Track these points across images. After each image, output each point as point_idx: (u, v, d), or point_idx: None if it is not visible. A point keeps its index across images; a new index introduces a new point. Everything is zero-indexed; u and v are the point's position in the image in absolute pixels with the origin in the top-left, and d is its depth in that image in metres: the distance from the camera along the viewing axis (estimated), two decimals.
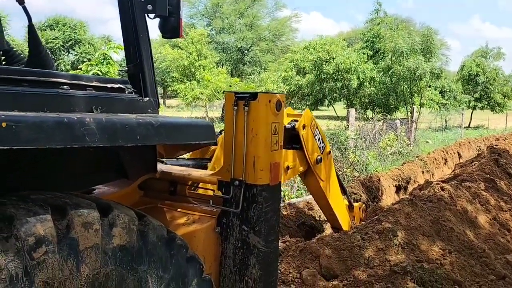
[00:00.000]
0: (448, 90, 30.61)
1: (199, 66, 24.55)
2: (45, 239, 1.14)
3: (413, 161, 12.25)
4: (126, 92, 1.85)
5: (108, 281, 1.30)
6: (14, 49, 2.47)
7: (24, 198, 1.26)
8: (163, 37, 2.01)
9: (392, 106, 20.91)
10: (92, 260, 1.25)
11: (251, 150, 2.05)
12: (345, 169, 10.22)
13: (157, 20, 1.96)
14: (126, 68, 1.98)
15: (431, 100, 21.94)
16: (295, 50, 22.73)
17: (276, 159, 2.11)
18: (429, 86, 23.95)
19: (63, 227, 1.21)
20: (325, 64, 18.84)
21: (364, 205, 6.24)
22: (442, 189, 6.01)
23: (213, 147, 2.92)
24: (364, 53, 20.48)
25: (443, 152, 14.21)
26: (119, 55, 12.13)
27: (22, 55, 2.51)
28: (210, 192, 2.30)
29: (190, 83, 22.26)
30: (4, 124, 1.07)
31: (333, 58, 18.79)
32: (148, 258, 1.44)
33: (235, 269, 2.12)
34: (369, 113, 22.15)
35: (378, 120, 13.60)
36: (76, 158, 1.66)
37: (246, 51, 38.06)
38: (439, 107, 21.59)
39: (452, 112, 27.76)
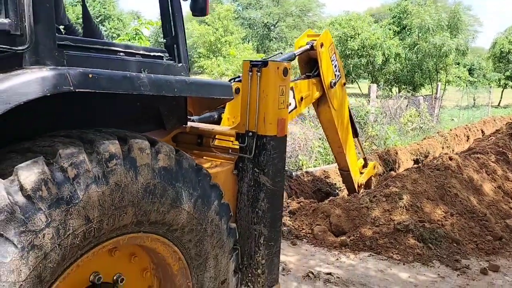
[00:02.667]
0: (477, 68, 29.99)
1: (225, 42, 24.94)
2: (115, 155, 1.70)
3: (433, 136, 12.46)
4: (164, 59, 2.39)
5: (155, 190, 1.85)
6: (73, 24, 3.03)
7: (99, 130, 1.82)
8: (192, 15, 2.52)
9: (417, 83, 20.84)
10: (144, 173, 1.81)
11: (262, 108, 2.56)
12: (363, 142, 10.57)
13: (188, 1, 2.48)
14: (164, 40, 2.50)
15: (458, 77, 21.70)
16: (321, 26, 22.80)
17: (282, 116, 2.62)
18: (458, 64, 23.62)
19: (126, 150, 1.76)
20: (350, 40, 18.91)
21: (378, 164, 6.70)
22: (450, 158, 6.38)
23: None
24: (390, 29, 20.38)
25: (466, 129, 14.27)
26: (149, 30, 12.73)
27: (78, 29, 3.07)
28: (229, 143, 2.83)
29: (216, 59, 22.73)
30: (90, 76, 1.62)
31: (359, 34, 18.83)
32: (182, 178, 1.99)
33: (248, 203, 2.67)
34: (394, 90, 22.15)
35: (400, 96, 13.77)
36: (129, 110, 2.20)
37: (272, 27, 38.06)
38: (466, 84, 21.34)
39: (481, 90, 27.29)
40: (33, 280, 1.46)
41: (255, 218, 2.65)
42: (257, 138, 2.59)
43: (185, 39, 2.42)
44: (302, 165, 8.06)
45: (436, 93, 16.01)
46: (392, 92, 17.09)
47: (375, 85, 12.30)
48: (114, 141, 1.72)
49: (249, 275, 2.70)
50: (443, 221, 5.37)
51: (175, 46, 2.41)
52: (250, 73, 2.58)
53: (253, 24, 37.25)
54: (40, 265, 1.47)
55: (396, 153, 9.80)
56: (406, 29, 20.95)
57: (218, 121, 3.55)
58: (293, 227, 5.50)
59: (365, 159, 6.54)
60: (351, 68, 19.44)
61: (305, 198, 6.42)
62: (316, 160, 8.60)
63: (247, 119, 2.61)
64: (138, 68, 2.10)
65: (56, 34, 1.77)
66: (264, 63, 2.56)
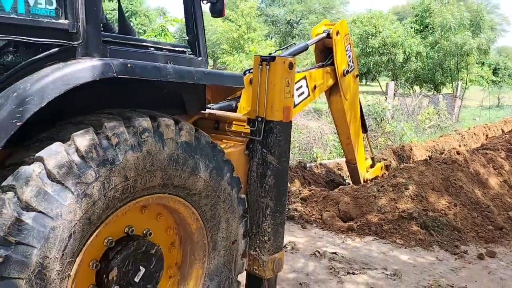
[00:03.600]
0: (503, 68, 29.52)
1: (248, 38, 25.35)
2: (147, 129, 2.14)
3: (450, 134, 12.58)
4: (187, 53, 2.82)
5: (178, 159, 2.29)
6: (110, 22, 3.50)
7: (134, 110, 2.26)
8: (211, 16, 2.95)
9: (438, 82, 20.80)
10: (170, 145, 2.24)
11: (270, 96, 2.97)
12: (379, 138, 10.84)
13: (208, 4, 2.90)
14: (187, 37, 2.93)
15: (481, 77, 21.54)
16: None
17: (287, 104, 3.02)
18: (483, 63, 23.37)
19: (155, 125, 2.20)
20: (371, 38, 19.04)
21: (384, 164, 6.93)
22: (458, 153, 6.64)
23: (239, 93, 3.89)
24: (411, 27, 20.41)
25: (485, 128, 14.24)
26: (174, 27, 13.30)
27: (114, 26, 3.53)
28: (241, 128, 3.25)
29: (238, 55, 23.18)
30: (129, 65, 2.07)
31: (380, 32, 18.94)
32: (200, 151, 2.42)
33: (257, 179, 3.08)
34: (416, 88, 22.16)
35: (419, 94, 13.91)
36: (158, 96, 2.64)
37: (295, 24, 38.28)
38: (488, 84, 21.16)
39: (506, 90, 26.89)
40: (84, 221, 1.92)
41: (262, 192, 3.07)
42: (266, 123, 3.00)
43: (205, 37, 2.85)
44: (317, 157, 8.43)
45: (456, 92, 16.01)
46: (413, 90, 17.15)
47: (392, 82, 12.51)
48: (146, 118, 2.17)
49: (257, 241, 3.11)
50: (446, 211, 5.67)
51: (196, 42, 2.84)
52: (260, 66, 3.00)
53: (276, 21, 37.57)
54: (90, 210, 1.93)
55: (411, 149, 10.01)
56: (428, 27, 20.90)
57: (235, 109, 3.99)
58: (304, 213, 5.89)
59: (373, 158, 6.79)
60: (372, 66, 19.58)
61: (317, 188, 6.79)
62: (330, 153, 8.95)
63: (257, 106, 3.03)
64: (165, 61, 2.54)
65: (101, 31, 2.22)
66: (272, 58, 2.97)
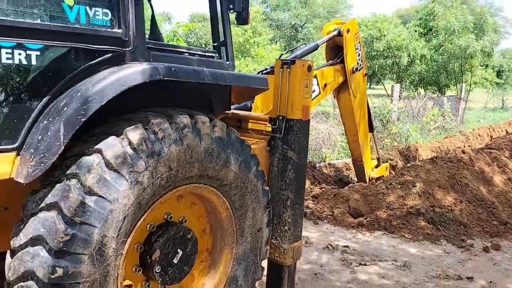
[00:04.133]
0: (506, 70, 29.68)
1: (254, 43, 25.64)
2: (187, 125, 2.41)
3: (455, 135, 12.79)
4: (215, 58, 3.09)
5: (212, 152, 2.55)
6: None
7: (175, 109, 2.53)
8: (237, 24, 3.22)
9: (443, 84, 21.01)
10: (206, 140, 2.51)
11: (290, 97, 3.24)
12: (385, 139, 11.07)
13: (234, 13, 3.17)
14: (215, 44, 3.20)
15: (485, 79, 21.73)
16: None
17: (306, 103, 3.28)
18: (486, 66, 23.55)
19: (193, 122, 2.47)
20: (376, 41, 19.31)
21: (390, 164, 7.12)
22: (463, 152, 6.87)
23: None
24: (415, 31, 20.66)
25: (489, 129, 14.43)
26: (184, 32, 13.66)
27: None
28: (262, 126, 3.51)
29: (244, 59, 23.48)
30: (172, 69, 2.34)
31: (384, 36, 19.21)
32: (231, 146, 2.68)
33: (278, 173, 3.34)
34: (421, 91, 22.37)
35: (423, 97, 14.13)
36: (190, 97, 2.90)
37: (299, 28, 38.55)
38: (492, 86, 21.35)
39: (511, 92, 27.04)
40: (136, 205, 2.18)
41: (283, 185, 3.33)
42: (286, 121, 3.27)
43: (232, 42, 3.12)
44: (326, 157, 8.68)
45: (460, 94, 16.22)
46: (417, 93, 17.39)
47: (398, 85, 12.75)
48: (186, 115, 2.43)
49: (278, 231, 3.37)
50: (452, 207, 5.90)
51: (223, 48, 3.11)
52: (282, 69, 3.27)
53: (281, 25, 37.85)
54: (141, 195, 2.19)
55: (417, 149, 10.23)
56: (432, 30, 21.15)
57: (250, 109, 4.25)
58: (315, 209, 6.14)
59: (378, 159, 6.99)
60: (377, 69, 19.82)
61: (327, 186, 7.03)
62: (338, 153, 9.19)
63: (278, 106, 3.29)
64: (198, 65, 2.81)
65: (146, 39, 2.50)
66: (293, 62, 3.23)
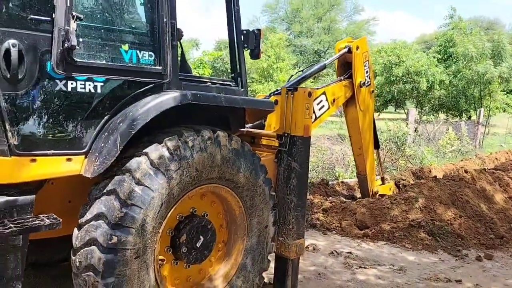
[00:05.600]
0: None
1: (277, 68, 26.67)
2: (210, 138, 3.14)
3: (471, 158, 13.12)
4: (232, 85, 3.85)
5: (230, 160, 3.26)
6: None
7: (201, 125, 3.28)
8: (250, 58, 3.99)
9: (463, 109, 21.30)
10: (224, 150, 3.23)
11: (294, 117, 3.96)
12: (399, 160, 11.55)
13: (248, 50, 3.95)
14: (232, 74, 3.96)
15: (506, 104, 21.91)
16: None
17: (307, 123, 3.99)
18: (510, 91, 23.70)
19: (215, 135, 3.20)
20: (395, 67, 19.93)
21: (394, 187, 7.51)
22: (465, 171, 7.37)
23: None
24: (434, 57, 21.18)
25: (508, 153, 14.62)
26: (210, 60, 14.71)
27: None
28: (271, 142, 4.22)
29: (268, 84, 24.45)
30: (199, 95, 3.10)
31: (403, 62, 19.82)
32: (244, 156, 3.40)
33: (283, 180, 4.03)
34: (442, 115, 22.68)
35: (439, 121, 14.56)
36: (211, 117, 3.65)
37: (322, 54, 39.57)
38: None
39: None
40: (169, 196, 2.91)
41: (287, 191, 4.01)
42: (290, 137, 3.98)
43: (246, 73, 3.89)
44: (339, 176, 9.26)
45: (478, 118, 16.55)
46: (435, 117, 17.79)
47: (413, 109, 13.27)
48: (210, 130, 3.18)
49: (284, 229, 4.03)
50: (452, 221, 6.39)
51: (239, 78, 3.88)
52: (287, 95, 4.00)
53: (304, 51, 39.05)
54: (173, 188, 2.93)
55: (430, 171, 10.65)
56: (452, 57, 21.62)
57: (264, 126, 4.92)
58: (325, 222, 6.74)
59: (383, 179, 7.36)
60: (396, 94, 20.37)
61: (337, 200, 7.61)
62: (352, 172, 9.75)
63: (284, 125, 4.01)
64: (218, 91, 3.57)
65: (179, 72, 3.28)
66: (295, 89, 3.97)
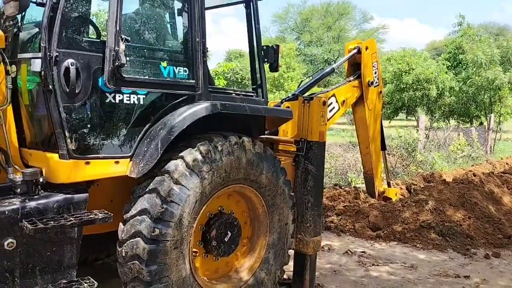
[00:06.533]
0: None
1: (288, 77, 27.12)
2: (237, 143, 3.52)
3: (481, 164, 13.30)
4: (254, 96, 4.25)
5: (253, 162, 3.63)
6: None
7: (228, 132, 3.66)
8: (270, 71, 4.39)
9: (474, 115, 21.45)
10: (249, 153, 3.60)
11: (310, 124, 4.33)
12: (410, 166, 11.80)
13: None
14: (254, 86, 4.35)
15: None
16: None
17: (322, 129, 4.35)
18: None
19: (241, 141, 3.58)
20: (404, 74, 20.22)
21: (399, 193, 7.69)
22: (474, 175, 7.64)
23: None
24: (443, 64, 21.43)
25: None
26: (225, 71, 15.20)
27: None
28: (289, 147, 4.58)
29: (279, 93, 24.88)
30: (227, 105, 3.50)
31: (413, 69, 20.10)
32: (266, 159, 3.78)
33: (301, 182, 4.39)
34: (452, 122, 22.84)
35: (450, 127, 14.79)
36: (236, 125, 4.02)
37: (332, 62, 39.96)
38: None
39: None
40: (203, 194, 3.30)
41: (305, 192, 4.37)
42: (307, 142, 4.35)
43: (266, 84, 4.28)
44: (351, 181, 9.58)
45: (489, 124, 16.72)
46: (446, 124, 18.00)
47: (423, 116, 13.54)
48: (236, 136, 3.57)
49: (302, 227, 4.38)
50: (461, 222, 6.67)
51: (260, 89, 4.27)
52: (303, 104, 4.39)
53: (314, 60, 39.41)
54: (206, 187, 3.31)
55: (441, 176, 10.88)
56: (462, 63, 21.84)
57: (277, 133, 5.21)
58: (339, 224, 7.06)
59: (389, 183, 7.49)
60: (406, 101, 20.63)
61: (350, 204, 7.92)
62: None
63: (301, 131, 4.39)
64: (242, 101, 3.96)
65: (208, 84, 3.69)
66: (311, 98, 4.35)
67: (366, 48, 6.34)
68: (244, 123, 4.07)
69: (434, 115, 21.21)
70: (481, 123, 21.81)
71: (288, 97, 5.48)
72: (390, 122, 22.98)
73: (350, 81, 6.33)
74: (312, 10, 42.86)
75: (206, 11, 3.64)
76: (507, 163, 13.69)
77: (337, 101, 5.83)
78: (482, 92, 18.96)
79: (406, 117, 32.63)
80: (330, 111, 5.72)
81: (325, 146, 4.44)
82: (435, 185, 7.42)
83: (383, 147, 7.05)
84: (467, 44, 19.61)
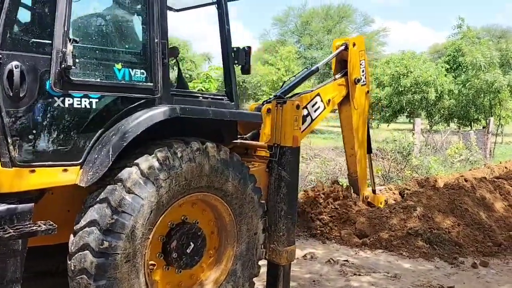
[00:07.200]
0: None
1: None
2: (199, 149, 3.34)
3: (479, 168, 13.05)
4: (224, 100, 4.07)
5: (218, 169, 3.45)
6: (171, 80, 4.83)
7: (191, 137, 3.48)
8: (241, 74, 4.21)
9: (474, 118, 21.20)
10: (212, 160, 3.42)
11: (283, 129, 4.15)
12: (405, 171, 11.58)
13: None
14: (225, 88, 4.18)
15: None
16: (376, 64, 24.16)
17: (296, 134, 4.17)
18: None
19: (204, 147, 3.40)
20: (402, 77, 20.00)
21: (385, 201, 7.46)
22: (465, 180, 7.43)
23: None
24: (442, 67, 21.21)
25: None
26: (217, 74, 15.04)
27: (174, 82, 4.86)
28: (263, 152, 4.40)
29: None
30: (187, 109, 3.32)
31: (411, 72, 19.88)
32: (232, 165, 3.59)
33: (274, 189, 4.21)
34: (452, 125, 22.59)
35: (447, 130, 14.56)
36: (204, 130, 3.85)
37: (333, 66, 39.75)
38: None
39: None
40: (159, 204, 3.12)
41: (278, 199, 4.18)
42: (280, 147, 4.17)
43: (237, 88, 4.10)
44: (342, 186, 9.35)
45: (488, 127, 16.48)
46: (444, 127, 17.77)
47: (419, 119, 13.32)
48: (198, 142, 3.39)
49: (275, 237, 4.19)
50: (450, 229, 6.45)
51: (230, 92, 4.09)
52: (276, 107, 4.20)
53: (314, 63, 39.11)
54: (163, 196, 3.13)
55: (436, 180, 10.66)
56: (461, 66, 21.62)
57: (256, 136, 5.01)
58: (324, 231, 6.85)
59: (374, 191, 7.21)
60: (404, 104, 20.41)
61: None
62: None
63: (274, 136, 4.20)
64: (209, 106, 3.79)
65: (170, 87, 3.51)
66: (285, 101, 4.17)
67: (354, 45, 6.11)
68: (214, 128, 3.90)
69: (434, 118, 20.97)
70: (484, 127, 21.56)
71: (269, 99, 5.30)
72: (388, 125, 22.75)
73: (336, 79, 6.12)
74: (312, 13, 42.71)
75: (184, 11, 3.46)
76: (505, 167, 13.45)
77: (322, 100, 5.62)
78: (482, 95, 18.72)
79: (409, 121, 32.39)
80: (316, 111, 5.54)
81: (299, 152, 4.26)
82: (424, 191, 7.21)
83: (369, 150, 6.84)
84: (466, 47, 19.39)
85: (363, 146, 6.67)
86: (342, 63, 6.25)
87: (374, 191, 7.26)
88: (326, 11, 42.43)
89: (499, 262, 5.76)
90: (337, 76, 6.14)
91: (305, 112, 5.33)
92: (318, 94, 5.59)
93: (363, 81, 6.31)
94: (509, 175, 8.74)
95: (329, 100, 5.74)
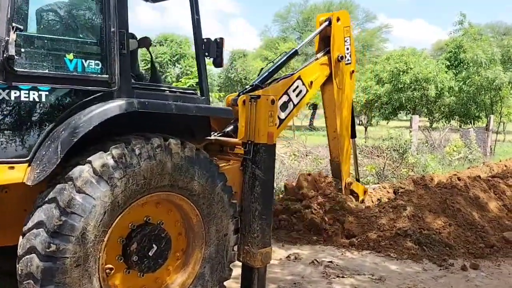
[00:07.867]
0: None
1: None
2: (160, 145, 3.13)
3: (477, 166, 12.78)
4: (195, 95, 3.86)
5: (182, 167, 3.25)
6: (143, 73, 4.64)
7: (153, 133, 3.28)
8: (214, 67, 4.00)
9: (475, 115, 20.89)
10: (176, 157, 3.22)
11: (257, 125, 3.93)
12: (401, 169, 11.34)
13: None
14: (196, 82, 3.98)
15: None
16: (377, 61, 23.86)
17: (271, 130, 3.95)
18: None
19: (166, 143, 3.19)
20: (402, 74, 19.71)
21: (367, 191, 7.21)
22: (459, 179, 7.20)
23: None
24: (443, 63, 20.89)
25: None
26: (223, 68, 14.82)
27: (146, 75, 4.67)
28: (238, 150, 4.20)
29: None
30: (146, 103, 3.12)
31: (411, 68, 19.58)
32: (199, 163, 3.38)
33: (248, 188, 4.00)
34: (453, 123, 22.26)
35: (446, 128, 14.29)
36: (173, 126, 3.65)
37: None
38: None
39: None
40: (114, 204, 2.92)
41: (252, 199, 3.97)
42: (254, 145, 3.96)
43: (207, 81, 3.89)
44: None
45: (488, 125, 16.19)
46: (449, 124, 17.48)
47: (416, 116, 13.06)
48: (160, 138, 3.18)
49: (249, 238, 3.99)
50: (440, 230, 6.22)
51: (201, 86, 3.89)
52: (250, 102, 3.99)
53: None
54: (118, 196, 2.93)
55: (432, 179, 10.40)
56: (463, 63, 21.28)
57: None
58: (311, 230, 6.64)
59: (358, 180, 6.90)
60: (404, 101, 20.12)
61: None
62: None
63: (247, 133, 3.99)
64: (176, 100, 3.58)
65: (131, 80, 3.31)
66: (258, 96, 3.95)
67: (338, 20, 5.67)
68: (185, 124, 3.70)
69: (434, 115, 20.69)
70: (487, 125, 21.21)
71: (246, 88, 5.03)
72: (388, 123, 22.48)
73: (317, 58, 5.70)
74: (313, 9, 42.32)
75: (159, 3, 3.25)
76: (505, 166, 13.18)
77: (304, 84, 5.22)
78: (483, 92, 18.41)
79: (396, 115, 32.01)
80: (297, 95, 5.16)
81: (275, 149, 4.05)
82: (415, 190, 6.98)
83: (353, 134, 6.51)
84: (467, 43, 19.07)
85: (347, 130, 6.27)
86: (326, 41, 5.78)
87: (358, 180, 6.98)
88: (327, 7, 41.99)
89: (490, 264, 5.52)
90: (319, 55, 5.72)
91: (285, 98, 5.01)
92: (299, 77, 5.17)
93: (348, 60, 5.90)
94: (505, 174, 8.48)
95: (311, 82, 5.31)
